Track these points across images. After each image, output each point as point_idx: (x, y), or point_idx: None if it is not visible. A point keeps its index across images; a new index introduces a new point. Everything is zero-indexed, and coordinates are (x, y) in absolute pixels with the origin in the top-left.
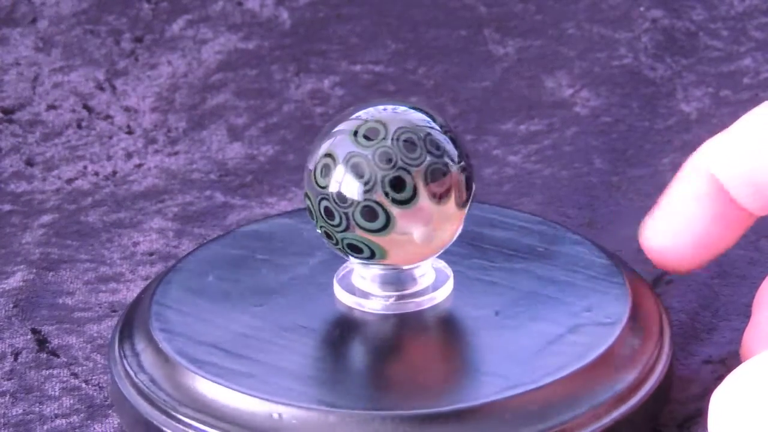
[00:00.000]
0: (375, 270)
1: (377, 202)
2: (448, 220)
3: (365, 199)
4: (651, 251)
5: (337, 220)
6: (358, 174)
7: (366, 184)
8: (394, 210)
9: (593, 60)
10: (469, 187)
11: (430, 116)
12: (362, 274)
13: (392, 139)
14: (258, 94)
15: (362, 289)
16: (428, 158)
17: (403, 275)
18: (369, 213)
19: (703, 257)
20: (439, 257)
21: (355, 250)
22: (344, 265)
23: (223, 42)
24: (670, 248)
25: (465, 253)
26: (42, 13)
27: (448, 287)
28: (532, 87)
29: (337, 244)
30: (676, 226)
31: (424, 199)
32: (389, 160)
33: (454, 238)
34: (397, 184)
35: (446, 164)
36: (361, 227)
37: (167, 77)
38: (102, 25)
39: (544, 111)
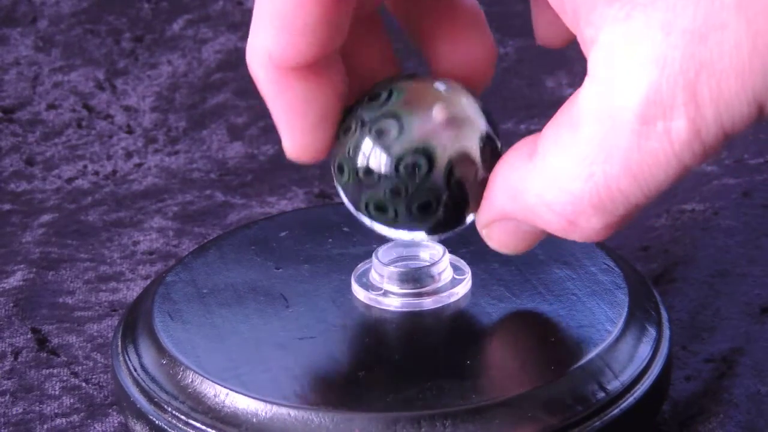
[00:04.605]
0: (392, 268)
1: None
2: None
3: None
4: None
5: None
6: None
7: None
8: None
9: None
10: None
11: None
12: (380, 272)
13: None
14: (258, 93)
15: (380, 287)
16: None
17: (421, 272)
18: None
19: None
20: (457, 255)
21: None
22: (362, 262)
23: (223, 41)
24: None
25: (470, 251)
26: (42, 12)
27: (466, 284)
28: (532, 87)
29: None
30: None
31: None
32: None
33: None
34: None
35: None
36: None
37: (167, 77)
38: (102, 24)
39: (544, 110)
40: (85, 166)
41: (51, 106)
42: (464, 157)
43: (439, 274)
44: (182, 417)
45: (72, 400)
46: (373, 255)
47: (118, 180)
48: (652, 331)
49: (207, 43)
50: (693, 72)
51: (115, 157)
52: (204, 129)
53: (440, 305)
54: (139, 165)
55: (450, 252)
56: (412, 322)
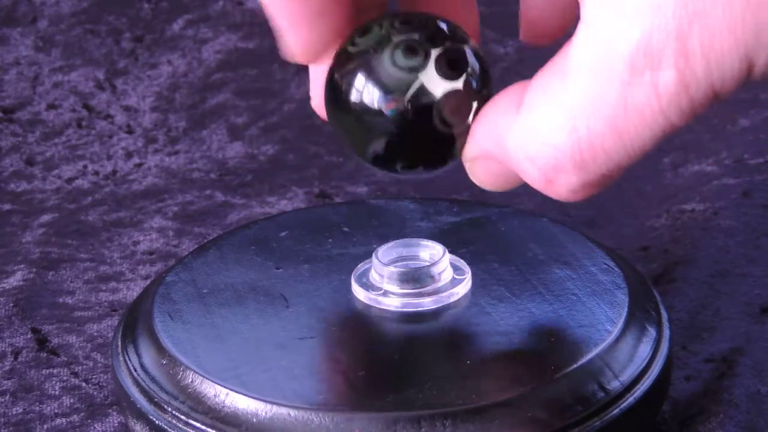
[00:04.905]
0: (392, 268)
1: None
2: None
3: None
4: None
5: None
6: None
7: None
8: None
9: None
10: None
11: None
12: (380, 272)
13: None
14: (258, 93)
15: (380, 287)
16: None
17: (421, 272)
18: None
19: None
20: (457, 255)
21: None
22: (362, 262)
23: (223, 41)
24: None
25: (470, 251)
26: (42, 12)
27: (466, 284)
28: None
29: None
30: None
31: None
32: None
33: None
34: None
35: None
36: None
37: (167, 77)
38: (102, 24)
39: None
40: (85, 166)
41: (51, 106)
42: (478, 63)
43: (439, 274)
44: (182, 417)
45: (72, 400)
46: (373, 255)
47: (118, 180)
48: (652, 331)
49: (207, 43)
50: (686, 21)
51: (115, 157)
52: (204, 129)
53: (440, 305)
54: (139, 165)
55: (450, 252)
56: (412, 322)
